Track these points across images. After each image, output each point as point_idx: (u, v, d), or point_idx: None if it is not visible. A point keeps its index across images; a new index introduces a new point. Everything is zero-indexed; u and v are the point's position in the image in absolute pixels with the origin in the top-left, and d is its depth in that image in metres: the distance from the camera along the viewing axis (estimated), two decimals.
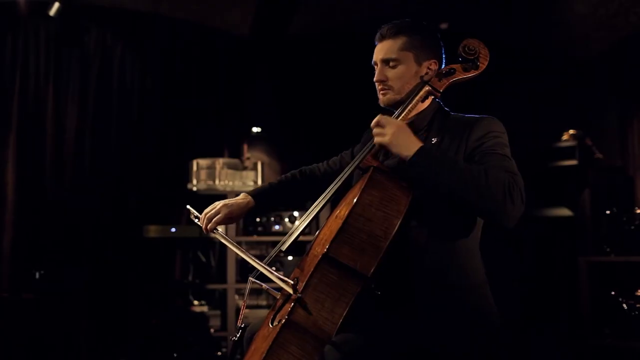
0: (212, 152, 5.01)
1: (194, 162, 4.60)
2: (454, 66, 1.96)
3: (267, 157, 5.51)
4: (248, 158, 4.82)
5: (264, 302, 5.13)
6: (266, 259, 1.95)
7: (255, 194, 2.17)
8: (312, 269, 1.71)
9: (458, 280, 1.81)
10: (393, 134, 1.77)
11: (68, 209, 4.61)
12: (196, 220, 2.13)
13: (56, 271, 4.32)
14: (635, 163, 5.25)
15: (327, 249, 1.69)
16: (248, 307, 4.81)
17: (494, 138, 1.84)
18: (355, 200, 1.72)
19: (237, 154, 5.30)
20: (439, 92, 1.93)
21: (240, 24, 5.07)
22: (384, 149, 1.83)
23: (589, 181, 4.92)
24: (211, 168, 4.63)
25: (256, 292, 5.09)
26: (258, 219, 4.60)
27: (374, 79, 2.01)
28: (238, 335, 1.82)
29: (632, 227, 3.97)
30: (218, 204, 2.10)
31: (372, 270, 1.69)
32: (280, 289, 1.86)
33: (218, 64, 5.23)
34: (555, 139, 5.18)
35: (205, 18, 5.11)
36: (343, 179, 1.92)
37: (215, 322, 4.52)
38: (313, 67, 5.52)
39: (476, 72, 1.95)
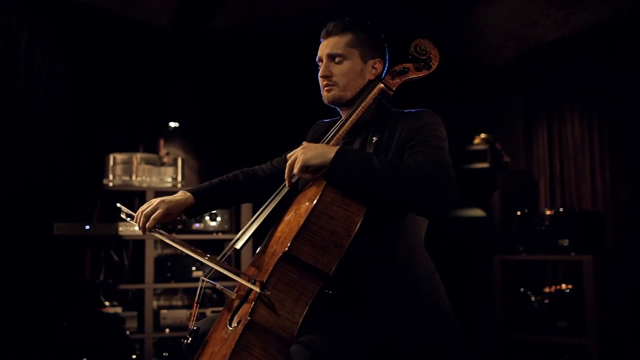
0: (126, 147, 4.81)
1: (110, 157, 4.38)
2: (407, 65, 1.97)
3: (184, 153, 5.35)
4: (167, 154, 4.65)
5: (179, 303, 4.99)
6: (220, 256, 1.88)
7: (194, 191, 2.05)
8: (271, 268, 1.66)
9: (408, 273, 1.81)
10: (303, 152, 1.73)
11: None
12: (129, 219, 1.99)
13: None
14: (539, 167, 5.57)
15: (289, 247, 1.64)
16: (164, 307, 4.66)
17: (427, 130, 1.82)
18: (317, 197, 1.68)
19: (152, 149, 5.10)
20: (392, 90, 1.94)
21: (160, 13, 4.89)
22: (307, 169, 1.74)
23: (498, 183, 5.17)
24: (128, 163, 4.43)
25: (172, 292, 4.94)
26: (178, 217, 4.44)
27: (319, 75, 1.98)
28: (191, 339, 1.74)
29: (543, 228, 4.20)
30: (154, 201, 1.96)
31: (333, 269, 1.67)
32: (235, 289, 1.80)
33: (135, 55, 5.01)
34: (468, 142, 5.40)
35: (122, 6, 4.88)
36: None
37: (131, 324, 4.32)
38: (233, 63, 5.43)
39: (428, 72, 1.98)
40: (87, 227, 4.16)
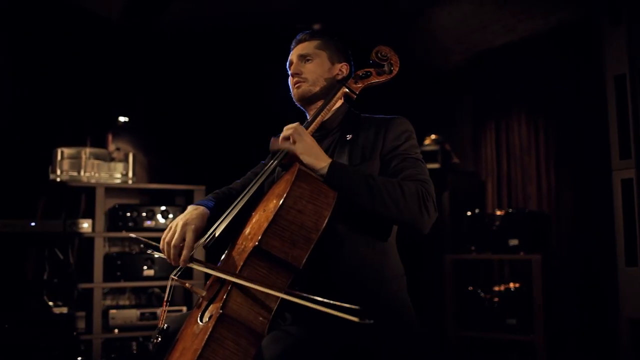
0: (73, 141, 4.65)
1: (58, 151, 4.23)
2: (369, 69, 2.06)
3: (133, 149, 5.22)
4: (118, 149, 4.53)
5: (126, 302, 4.87)
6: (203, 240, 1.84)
7: (205, 205, 1.92)
8: (241, 263, 1.66)
9: (377, 273, 1.84)
10: (307, 143, 1.78)
11: None
12: (150, 250, 1.87)
13: None
14: (487, 169, 5.71)
15: (259, 241, 1.64)
16: (112, 307, 4.52)
17: (408, 139, 1.94)
18: (286, 192, 1.68)
19: (100, 143, 4.96)
20: (355, 94, 2.02)
21: (111, 5, 4.76)
22: (292, 157, 1.79)
23: (448, 184, 5.26)
24: (76, 158, 4.29)
25: (120, 291, 4.81)
26: (129, 214, 4.33)
27: (290, 73, 2.08)
28: (160, 338, 1.70)
29: (493, 228, 4.29)
30: (176, 226, 1.78)
31: (303, 262, 1.67)
32: (206, 286, 1.77)
33: (84, 46, 4.86)
34: (419, 143, 5.47)
35: None
36: (265, 175, 1.89)
37: (78, 325, 4.18)
38: (185, 59, 5.34)
39: (389, 77, 2.06)
40: (33, 223, 4.01)
